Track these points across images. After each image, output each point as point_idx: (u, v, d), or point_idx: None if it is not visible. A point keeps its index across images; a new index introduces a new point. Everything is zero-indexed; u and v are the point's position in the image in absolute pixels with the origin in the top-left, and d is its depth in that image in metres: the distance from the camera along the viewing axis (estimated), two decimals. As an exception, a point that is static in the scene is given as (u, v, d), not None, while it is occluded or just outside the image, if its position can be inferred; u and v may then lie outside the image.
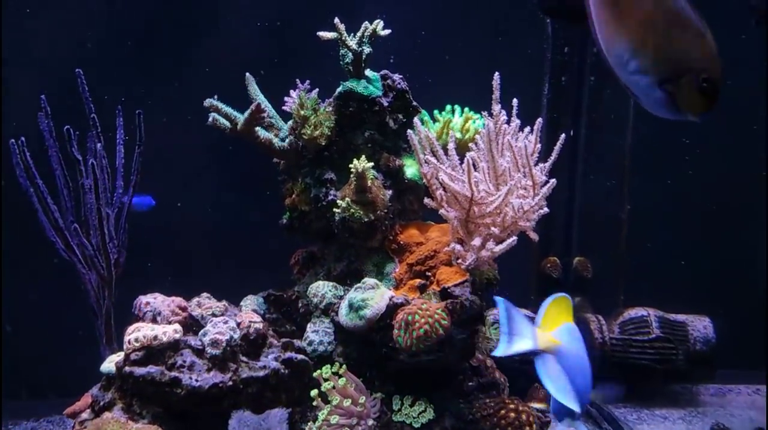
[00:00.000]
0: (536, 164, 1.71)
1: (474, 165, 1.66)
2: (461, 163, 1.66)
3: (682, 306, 2.48)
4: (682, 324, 2.48)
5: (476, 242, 1.59)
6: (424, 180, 1.65)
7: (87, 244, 1.66)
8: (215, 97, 1.88)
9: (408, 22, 2.55)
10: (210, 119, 1.91)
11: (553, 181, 1.60)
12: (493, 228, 1.57)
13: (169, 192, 2.37)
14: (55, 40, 2.30)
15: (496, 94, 1.69)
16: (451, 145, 1.63)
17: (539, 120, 1.68)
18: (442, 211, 1.61)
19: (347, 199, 1.85)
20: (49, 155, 1.79)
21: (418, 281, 1.86)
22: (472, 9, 2.58)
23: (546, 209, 1.66)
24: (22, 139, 1.67)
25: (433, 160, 1.61)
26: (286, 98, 2.07)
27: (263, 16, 2.48)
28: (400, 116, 1.98)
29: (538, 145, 1.69)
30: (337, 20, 1.84)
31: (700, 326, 2.47)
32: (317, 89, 2.07)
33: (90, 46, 2.32)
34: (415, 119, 1.77)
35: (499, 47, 2.61)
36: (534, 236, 1.61)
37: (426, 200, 1.67)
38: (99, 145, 1.73)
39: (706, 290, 2.63)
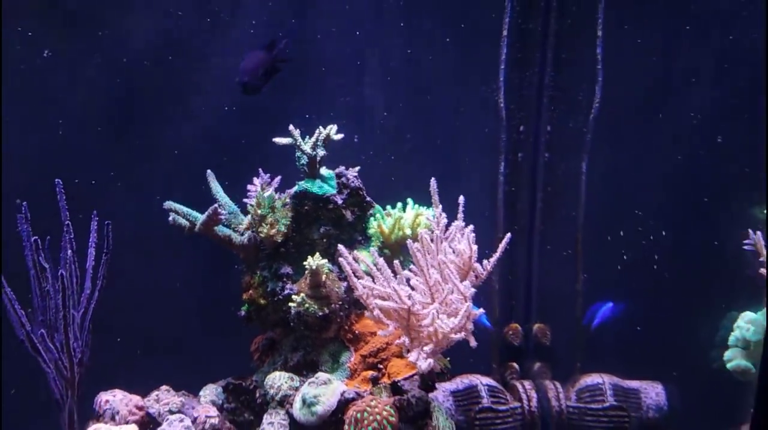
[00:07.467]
0: (479, 262, 1.80)
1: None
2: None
3: (637, 372, 2.56)
4: (636, 391, 2.54)
5: (412, 356, 1.68)
6: (361, 301, 1.74)
7: (52, 348, 1.74)
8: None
9: (372, 102, 2.67)
10: (170, 219, 2.01)
11: (468, 304, 1.66)
12: (426, 347, 1.67)
13: (138, 271, 2.44)
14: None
15: (435, 197, 1.79)
16: (381, 261, 1.73)
17: (470, 227, 1.77)
18: (381, 332, 1.71)
19: (302, 293, 1.94)
20: (24, 255, 1.87)
21: (370, 373, 1.94)
22: (432, 90, 2.71)
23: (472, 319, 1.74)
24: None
25: (365, 283, 1.71)
26: (248, 187, 2.16)
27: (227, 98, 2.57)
28: (356, 210, 2.08)
29: (474, 248, 1.77)
30: (291, 127, 1.94)
31: (652, 393, 2.54)
32: (279, 177, 2.17)
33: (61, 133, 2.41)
34: (340, 248, 1.78)
35: (458, 127, 2.74)
36: (473, 342, 1.69)
37: (367, 314, 1.76)
38: (70, 252, 1.82)
39: (660, 355, 2.72)
